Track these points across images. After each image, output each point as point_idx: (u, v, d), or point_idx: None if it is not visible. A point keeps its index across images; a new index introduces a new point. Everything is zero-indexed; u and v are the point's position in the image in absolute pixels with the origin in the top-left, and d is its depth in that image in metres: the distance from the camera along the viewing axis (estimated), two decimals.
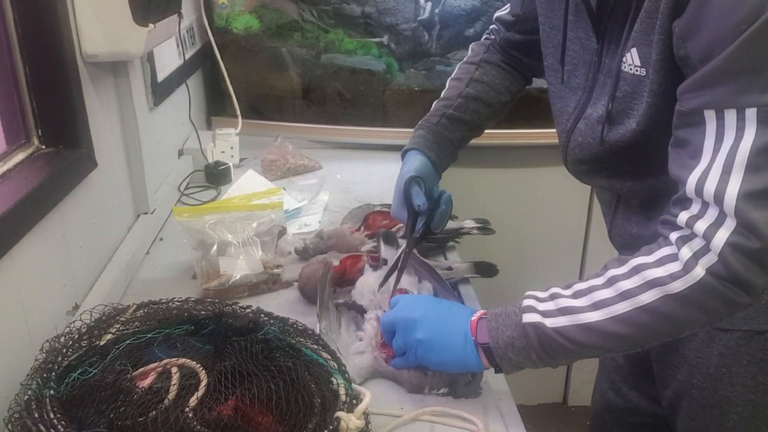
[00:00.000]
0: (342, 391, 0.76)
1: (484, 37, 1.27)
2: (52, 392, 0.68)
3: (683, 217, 0.75)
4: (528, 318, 0.81)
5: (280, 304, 1.15)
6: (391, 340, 0.93)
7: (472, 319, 0.87)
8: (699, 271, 0.73)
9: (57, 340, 0.77)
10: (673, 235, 0.76)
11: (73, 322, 0.82)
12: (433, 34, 1.96)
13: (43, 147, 1.05)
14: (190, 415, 0.66)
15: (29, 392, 0.68)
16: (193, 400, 0.68)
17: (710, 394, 0.98)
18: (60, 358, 0.74)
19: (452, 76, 1.24)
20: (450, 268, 1.22)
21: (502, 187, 2.05)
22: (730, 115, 0.71)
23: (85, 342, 0.78)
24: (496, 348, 0.84)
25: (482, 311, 0.88)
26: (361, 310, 1.06)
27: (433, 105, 1.22)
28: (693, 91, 0.74)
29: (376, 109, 1.97)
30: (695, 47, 0.73)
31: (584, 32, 0.93)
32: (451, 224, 1.36)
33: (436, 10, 1.94)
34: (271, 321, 0.84)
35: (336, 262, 1.16)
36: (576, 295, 0.80)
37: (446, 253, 1.35)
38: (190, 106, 1.65)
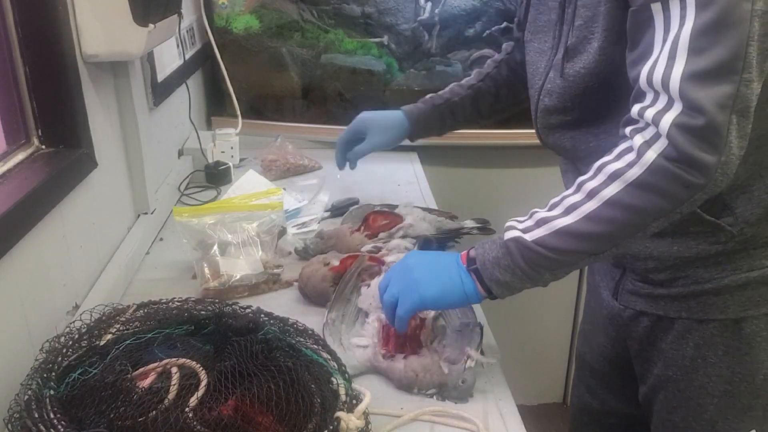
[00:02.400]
0: (342, 391, 0.76)
1: (486, 64, 1.33)
2: (52, 392, 0.68)
3: (636, 109, 0.78)
4: (508, 235, 0.85)
5: (280, 304, 1.15)
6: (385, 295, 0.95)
7: (461, 252, 0.91)
8: (650, 155, 0.75)
9: (57, 340, 0.77)
10: (628, 129, 0.79)
11: (73, 322, 0.82)
12: (433, 34, 1.96)
13: (43, 147, 1.05)
14: (190, 415, 0.66)
15: (29, 392, 0.68)
16: (193, 400, 0.68)
17: (686, 386, 0.98)
18: (60, 358, 0.74)
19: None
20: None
21: (502, 187, 2.05)
22: (674, 4, 0.74)
23: (85, 342, 0.78)
24: (483, 269, 0.87)
25: (467, 251, 0.92)
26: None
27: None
28: None
29: (376, 110, 1.97)
30: None
31: None
32: (451, 224, 1.36)
33: (436, 10, 1.94)
34: (271, 321, 0.84)
35: (336, 262, 1.16)
36: (551, 208, 0.84)
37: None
38: (190, 106, 1.65)
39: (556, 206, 0.84)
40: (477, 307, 1.11)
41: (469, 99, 1.31)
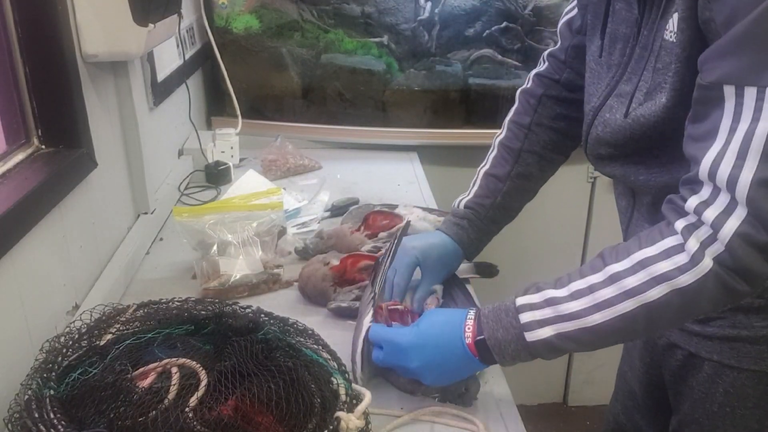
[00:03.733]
0: (342, 391, 0.76)
1: (531, 82, 1.15)
2: (52, 392, 0.68)
3: (693, 202, 0.72)
4: (532, 336, 0.79)
5: (280, 304, 1.15)
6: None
7: (468, 342, 0.84)
8: (707, 263, 0.70)
9: (57, 340, 0.77)
10: (679, 224, 0.73)
11: (73, 322, 0.82)
12: (433, 34, 1.96)
13: (43, 147, 1.05)
14: (190, 415, 0.66)
15: (29, 392, 0.68)
16: (193, 400, 0.68)
17: (711, 431, 0.95)
18: (60, 358, 0.74)
19: (501, 138, 1.15)
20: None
21: None
22: (750, 94, 0.66)
23: (85, 342, 0.78)
24: (502, 362, 0.84)
25: (473, 321, 0.85)
26: (353, 315, 1.06)
27: (481, 175, 1.14)
28: (714, 60, 0.69)
29: (376, 109, 1.97)
30: (720, 9, 0.68)
31: (625, 2, 0.87)
32: None
33: (436, 10, 1.94)
34: (271, 321, 0.84)
35: (336, 262, 1.16)
36: (575, 296, 0.78)
37: None
38: (190, 106, 1.65)
39: (582, 296, 0.77)
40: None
41: (517, 188, 1.13)
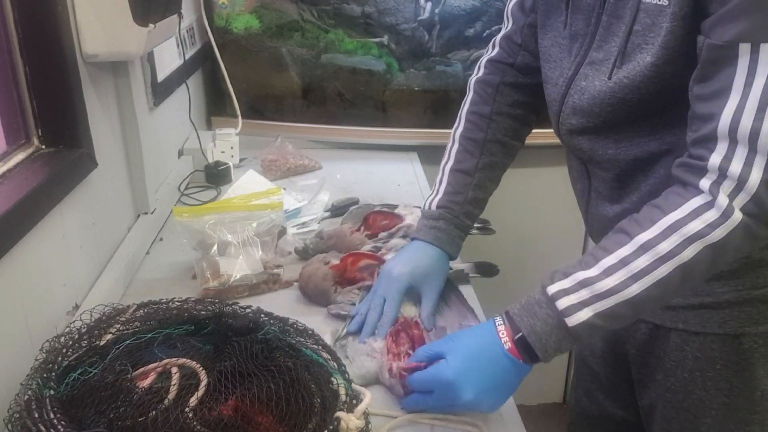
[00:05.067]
0: (342, 391, 0.76)
1: (484, 70, 1.14)
2: (52, 392, 0.68)
3: (714, 160, 0.73)
4: (573, 321, 0.78)
5: (280, 304, 1.15)
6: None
7: (508, 347, 0.82)
8: (737, 215, 0.72)
9: (57, 340, 0.77)
10: (704, 182, 0.74)
11: (73, 322, 0.82)
12: (433, 34, 1.96)
13: (43, 147, 1.05)
14: (190, 415, 0.66)
15: (29, 392, 0.68)
16: (193, 400, 0.68)
17: (684, 398, 0.97)
18: (60, 358, 0.74)
19: (460, 131, 1.13)
20: (450, 268, 1.21)
21: (502, 187, 2.04)
22: (765, 50, 0.69)
23: (85, 342, 0.78)
24: (545, 357, 0.81)
25: (503, 325, 0.83)
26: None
27: (447, 172, 1.12)
28: (728, 19, 0.70)
29: (376, 109, 1.97)
30: None
31: None
32: None
33: (436, 10, 1.94)
34: (271, 321, 0.84)
35: (336, 261, 1.16)
36: (608, 272, 0.77)
37: None
38: (190, 106, 1.65)
39: (616, 270, 0.77)
40: (477, 307, 1.11)
41: (485, 179, 1.12)
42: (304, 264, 1.18)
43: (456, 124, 1.15)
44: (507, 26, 1.12)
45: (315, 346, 0.83)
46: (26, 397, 0.68)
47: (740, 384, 0.94)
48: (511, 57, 1.12)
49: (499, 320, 0.85)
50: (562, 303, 0.79)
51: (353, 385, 0.80)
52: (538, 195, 2.05)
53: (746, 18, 0.69)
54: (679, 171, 0.79)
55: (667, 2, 0.78)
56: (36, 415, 0.65)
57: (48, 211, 0.95)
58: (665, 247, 0.75)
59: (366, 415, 0.75)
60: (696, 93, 0.76)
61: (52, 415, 0.65)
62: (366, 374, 0.94)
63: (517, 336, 0.82)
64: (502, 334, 0.83)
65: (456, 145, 1.13)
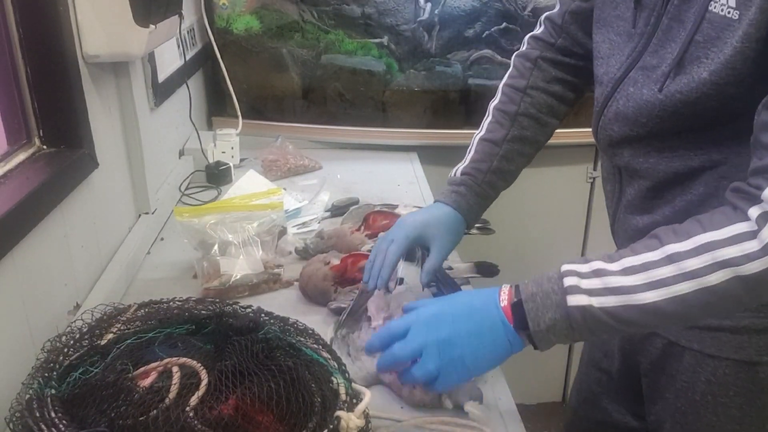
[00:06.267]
0: (342, 390, 0.76)
1: (526, 45, 1.13)
2: (53, 391, 0.68)
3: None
4: (573, 300, 0.73)
5: (281, 303, 1.15)
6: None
7: (503, 304, 0.79)
8: None
9: (58, 339, 0.77)
10: (754, 211, 0.68)
11: (75, 321, 0.82)
12: (432, 35, 1.97)
13: (45, 147, 1.05)
14: (191, 414, 0.66)
15: (30, 391, 0.69)
16: (193, 400, 0.68)
17: (694, 420, 0.94)
18: (61, 358, 0.74)
19: (495, 103, 1.12)
20: (450, 268, 1.22)
21: None
22: None
23: (87, 341, 0.78)
24: (536, 332, 0.76)
25: (508, 288, 0.80)
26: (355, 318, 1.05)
27: (476, 141, 1.11)
28: None
29: (376, 110, 1.98)
30: None
31: None
32: None
33: (436, 11, 1.94)
34: (272, 320, 0.85)
35: (337, 261, 1.16)
36: (627, 272, 0.73)
37: None
38: (190, 107, 1.65)
39: (635, 273, 0.72)
40: None
41: (513, 151, 1.10)
42: (305, 264, 1.19)
43: (494, 97, 1.14)
44: (556, 8, 1.11)
45: (315, 346, 0.83)
46: (27, 396, 0.68)
47: (753, 413, 0.91)
48: (553, 37, 1.10)
49: (506, 286, 0.81)
50: (570, 281, 0.75)
51: (353, 384, 0.80)
52: (538, 195, 2.05)
53: None
54: (731, 195, 0.73)
55: (737, 17, 0.72)
56: (37, 414, 0.65)
57: (49, 211, 0.96)
58: (693, 264, 0.70)
59: (366, 414, 0.75)
60: (764, 119, 0.71)
61: (53, 414, 0.65)
62: (367, 375, 0.94)
63: (515, 300, 0.78)
64: (503, 294, 0.80)
65: (489, 117, 1.12)
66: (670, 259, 0.71)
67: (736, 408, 0.91)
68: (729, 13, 0.73)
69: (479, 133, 1.12)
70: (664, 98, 0.80)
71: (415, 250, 1.10)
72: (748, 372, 0.89)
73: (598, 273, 0.74)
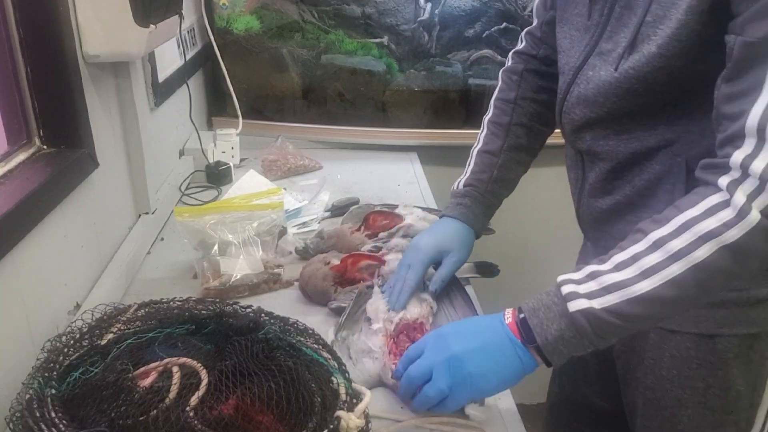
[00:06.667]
0: (342, 390, 0.76)
1: (511, 60, 1.20)
2: (53, 391, 0.69)
3: (737, 157, 0.70)
4: (574, 306, 0.75)
5: (281, 303, 1.15)
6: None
7: (508, 321, 0.82)
8: (755, 215, 0.69)
9: (58, 339, 0.77)
10: (723, 180, 0.71)
11: (75, 321, 0.82)
12: (433, 35, 1.97)
13: (45, 147, 1.05)
14: (191, 414, 0.66)
15: (31, 391, 0.69)
16: (194, 399, 0.68)
17: (662, 396, 0.98)
18: (61, 358, 0.74)
19: (489, 117, 1.19)
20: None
21: None
22: None
23: (87, 341, 0.78)
24: (545, 344, 0.78)
25: (511, 309, 0.83)
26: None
27: (475, 154, 1.17)
28: (762, 16, 0.69)
29: (377, 110, 1.98)
30: None
31: None
32: None
33: (436, 11, 1.94)
34: (272, 320, 0.85)
35: (337, 262, 1.16)
36: (618, 267, 0.75)
37: None
38: (190, 107, 1.65)
39: (626, 267, 0.75)
40: (477, 308, 1.11)
41: (510, 160, 1.15)
42: (305, 264, 1.19)
43: (487, 112, 1.21)
44: (534, 22, 1.19)
45: (315, 346, 0.83)
46: (28, 396, 0.68)
47: (715, 384, 0.94)
48: (534, 49, 1.18)
49: (508, 309, 0.84)
50: (567, 288, 0.77)
51: (353, 384, 0.80)
52: (538, 195, 2.04)
53: None
54: (701, 172, 0.76)
55: None
56: (37, 414, 0.65)
57: (49, 211, 0.96)
58: (677, 244, 0.72)
59: (366, 414, 0.75)
60: (725, 92, 0.74)
61: (53, 414, 0.65)
62: (369, 378, 0.94)
63: (520, 317, 0.81)
64: (507, 313, 0.83)
65: (485, 131, 1.19)
66: (656, 245, 0.73)
67: (699, 380, 0.95)
68: None
69: (477, 147, 1.19)
70: (619, 76, 0.85)
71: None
72: (707, 344, 0.93)
73: (592, 276, 0.77)
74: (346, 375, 0.80)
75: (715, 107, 0.75)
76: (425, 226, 1.29)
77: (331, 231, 1.30)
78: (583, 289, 0.76)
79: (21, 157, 0.99)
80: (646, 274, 0.73)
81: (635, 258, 0.75)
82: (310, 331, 0.86)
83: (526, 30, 1.20)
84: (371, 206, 1.41)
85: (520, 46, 1.21)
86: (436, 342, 0.85)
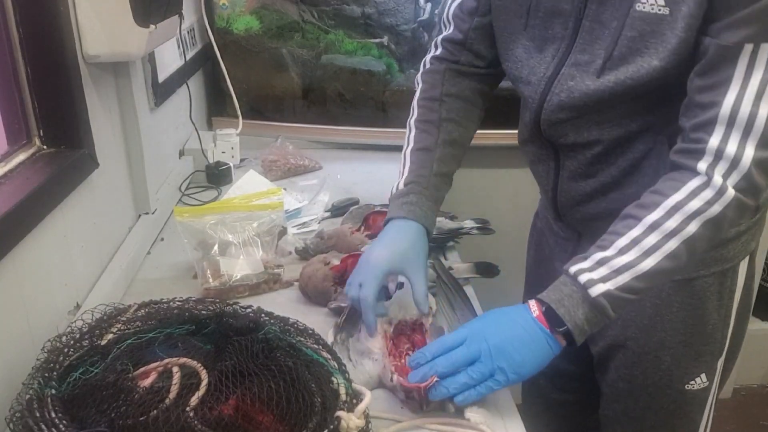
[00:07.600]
0: (342, 390, 0.76)
1: (429, 63, 1.18)
2: (53, 392, 0.69)
3: (713, 143, 0.82)
4: (595, 291, 0.84)
5: (281, 303, 1.15)
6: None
7: (536, 314, 0.88)
8: (730, 192, 0.82)
9: (58, 339, 0.77)
10: (702, 165, 0.84)
11: (75, 321, 0.82)
12: (433, 35, 1.97)
13: (45, 147, 1.05)
14: (191, 414, 0.66)
15: (31, 392, 0.69)
16: (194, 400, 0.68)
17: (646, 342, 1.06)
18: (61, 358, 0.74)
19: (415, 117, 1.14)
20: (450, 269, 1.22)
21: (502, 187, 2.05)
22: (764, 50, 0.79)
23: (87, 341, 0.78)
24: (575, 328, 0.86)
25: (534, 303, 0.89)
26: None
27: (408, 155, 1.12)
28: (738, 25, 0.79)
29: (376, 110, 1.98)
30: None
31: None
32: (450, 224, 1.36)
33: (436, 11, 1.94)
34: (272, 321, 0.85)
35: (337, 262, 1.16)
36: (622, 251, 0.85)
37: (446, 253, 1.35)
38: (190, 107, 1.65)
39: (629, 249, 0.85)
40: (477, 308, 1.11)
41: (446, 155, 1.11)
42: (305, 264, 1.19)
43: (410, 115, 1.16)
44: (448, 29, 1.15)
45: (315, 346, 0.83)
46: (28, 396, 0.68)
47: (694, 321, 1.04)
48: (455, 56, 1.15)
49: (529, 301, 0.90)
50: (584, 278, 0.85)
51: (353, 384, 0.80)
52: (538, 195, 2.04)
53: (754, 24, 0.79)
54: (676, 156, 0.87)
55: (668, 12, 0.84)
56: (37, 415, 0.65)
57: (49, 211, 0.96)
58: (671, 224, 0.84)
59: (366, 414, 0.75)
60: (697, 84, 0.85)
61: (53, 415, 0.65)
62: (369, 380, 0.94)
63: (545, 308, 0.88)
64: (532, 307, 0.89)
65: (413, 131, 1.14)
66: (652, 227, 0.85)
67: (680, 321, 1.05)
68: (660, 10, 0.85)
69: (408, 147, 1.13)
70: (613, 85, 0.91)
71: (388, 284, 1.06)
72: (686, 287, 1.03)
73: (601, 262, 0.86)
74: (346, 375, 0.80)
75: (688, 97, 0.86)
76: None
77: (331, 231, 1.30)
78: (596, 275, 0.85)
79: (21, 157, 0.99)
80: (648, 253, 0.84)
81: (635, 241, 0.85)
82: (310, 332, 0.86)
83: (442, 37, 1.16)
84: (371, 206, 1.41)
85: (436, 52, 1.17)
86: (477, 333, 0.90)
